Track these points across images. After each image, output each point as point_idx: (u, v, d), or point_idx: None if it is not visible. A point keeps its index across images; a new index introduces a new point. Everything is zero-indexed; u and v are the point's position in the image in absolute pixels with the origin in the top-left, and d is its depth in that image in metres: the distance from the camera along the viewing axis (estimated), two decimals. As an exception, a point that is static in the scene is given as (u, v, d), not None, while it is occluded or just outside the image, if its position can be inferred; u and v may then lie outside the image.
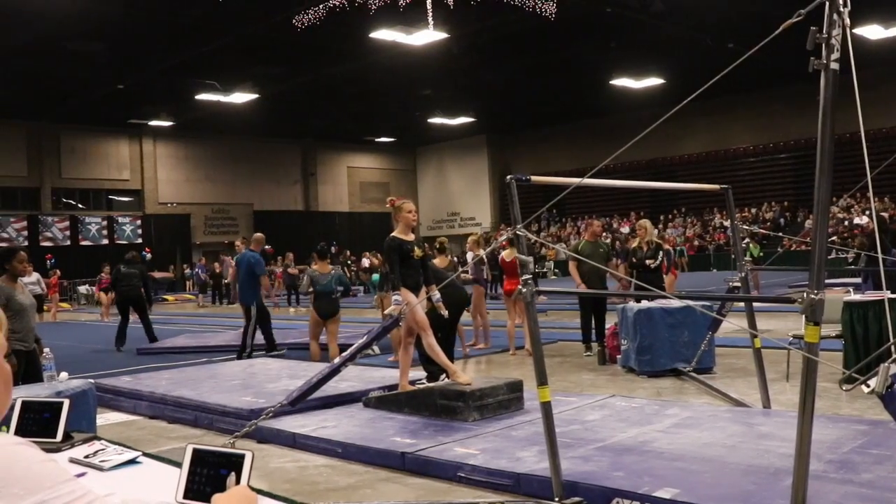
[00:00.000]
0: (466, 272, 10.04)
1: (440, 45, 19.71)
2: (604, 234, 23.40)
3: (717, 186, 6.47)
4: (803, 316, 3.11)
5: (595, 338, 9.69)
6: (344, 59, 21.81)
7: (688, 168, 31.74)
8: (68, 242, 32.65)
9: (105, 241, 33.44)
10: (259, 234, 11.49)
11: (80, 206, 33.71)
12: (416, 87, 26.84)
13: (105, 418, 6.97)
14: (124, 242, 33.37)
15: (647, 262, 9.50)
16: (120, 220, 34.19)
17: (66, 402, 2.81)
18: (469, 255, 13.28)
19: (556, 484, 4.07)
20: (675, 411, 5.94)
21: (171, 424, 6.87)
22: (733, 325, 5.62)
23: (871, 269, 9.45)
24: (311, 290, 9.26)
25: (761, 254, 19.65)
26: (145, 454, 2.64)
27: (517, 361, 9.63)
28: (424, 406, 6.16)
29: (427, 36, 18.18)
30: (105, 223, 33.72)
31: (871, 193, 3.44)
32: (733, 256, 7.90)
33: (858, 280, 13.21)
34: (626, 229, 24.48)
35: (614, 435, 5.27)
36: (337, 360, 6.37)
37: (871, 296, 7.74)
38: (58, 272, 23.93)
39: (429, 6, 14.46)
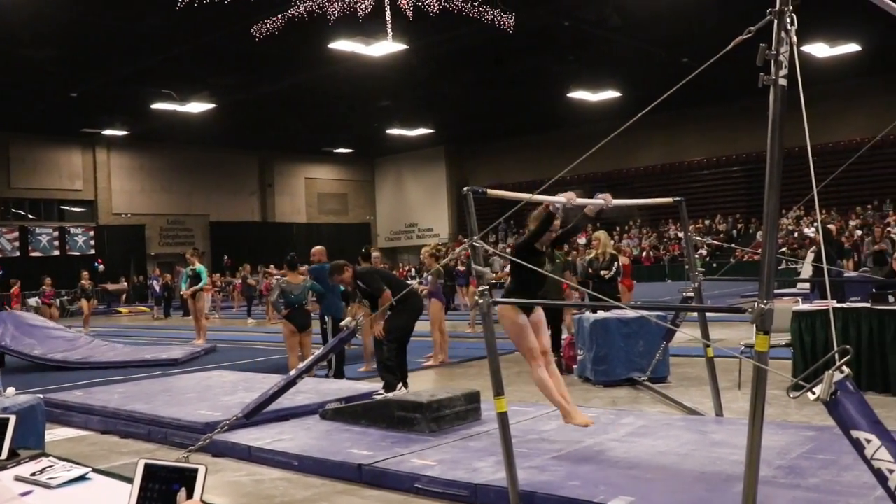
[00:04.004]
0: (421, 283, 10.06)
1: (399, 56, 19.73)
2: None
3: (671, 199, 6.55)
4: (754, 325, 3.17)
5: (552, 348, 9.72)
6: (302, 70, 21.72)
7: (643, 180, 32.14)
8: (17, 254, 31.85)
9: (56, 253, 32.73)
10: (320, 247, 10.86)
11: (30, 216, 32.93)
12: (375, 98, 26.80)
13: (55, 434, 6.83)
14: (77, 254, 32.75)
15: (603, 272, 9.60)
16: (72, 230, 33.51)
17: (13, 419, 2.74)
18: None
19: (513, 494, 4.08)
20: (631, 420, 5.99)
21: (123, 439, 6.74)
22: (687, 334, 5.69)
23: (818, 280, 9.64)
24: (281, 300, 9.14)
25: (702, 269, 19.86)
26: (95, 470, 2.58)
27: (475, 372, 9.64)
28: (381, 418, 6.13)
29: (386, 47, 18.18)
30: (56, 234, 33.02)
31: (817, 206, 3.52)
32: (686, 267, 8.02)
33: (807, 290, 13.45)
34: (582, 240, 24.64)
35: (570, 444, 5.30)
36: (293, 373, 6.32)
37: (818, 305, 7.91)
38: (18, 283, 23.15)
39: (388, 18, 14.46)
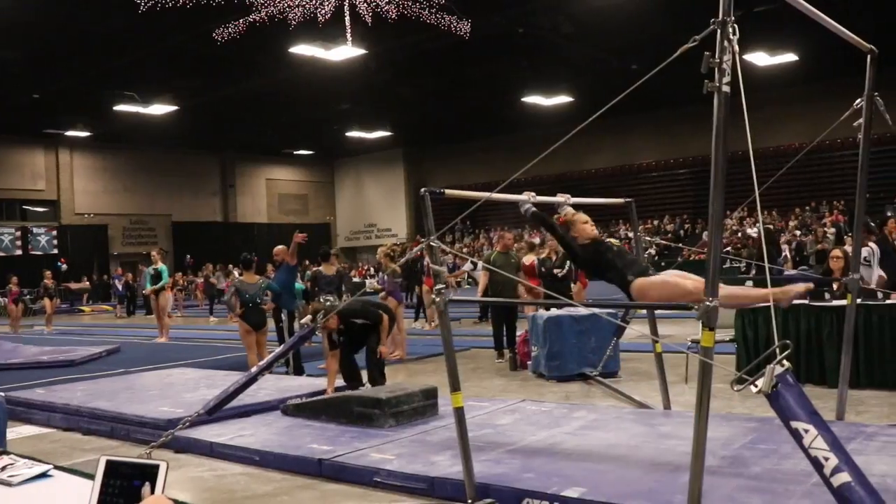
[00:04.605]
0: (378, 283, 10.09)
1: (358, 60, 19.65)
2: (515, 245, 23.63)
3: (621, 200, 6.62)
4: (700, 322, 3.22)
5: (507, 345, 9.78)
6: (263, 73, 21.52)
7: (595, 182, 32.37)
8: (-23, 253, 31.17)
9: (19, 252, 32.03)
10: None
11: (-10, 216, 32.25)
12: (335, 102, 26.66)
13: (16, 432, 6.69)
14: (39, 253, 32.08)
15: (556, 271, 9.67)
16: (35, 230, 32.79)
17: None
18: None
19: (469, 486, 4.09)
20: (583, 414, 6.04)
21: (85, 436, 6.63)
22: (637, 331, 5.76)
23: (759, 278, 9.81)
24: (234, 300, 9.04)
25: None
26: (57, 467, 2.53)
27: (432, 369, 9.64)
28: (342, 413, 6.12)
29: (346, 52, 18.10)
30: (19, 234, 32.31)
31: (759, 207, 3.58)
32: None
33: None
34: (536, 240, 24.76)
35: (525, 438, 5.33)
36: (254, 369, 6.27)
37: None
38: None
39: (347, 23, 14.41)
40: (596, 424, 5.66)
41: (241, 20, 14.52)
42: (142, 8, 13.65)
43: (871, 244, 9.01)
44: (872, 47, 4.91)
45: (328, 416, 6.19)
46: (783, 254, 11.79)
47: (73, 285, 30.06)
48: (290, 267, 10.47)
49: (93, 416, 6.78)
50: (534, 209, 4.94)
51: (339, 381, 7.45)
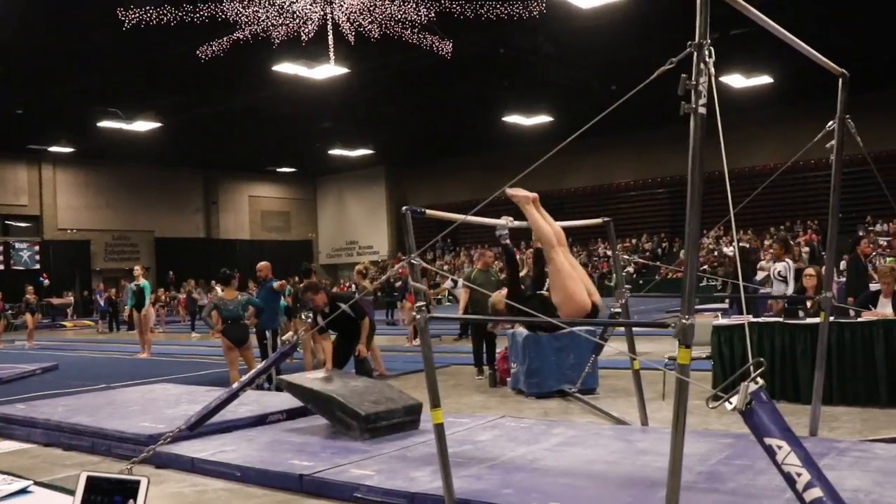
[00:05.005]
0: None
1: (341, 79, 19.69)
2: (495, 262, 23.66)
3: (600, 220, 6.64)
4: (676, 340, 3.23)
5: (486, 362, 9.78)
6: (247, 91, 21.50)
7: (574, 201, 32.55)
8: (-39, 268, 30.85)
9: (0, 267, 31.74)
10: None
11: (-26, 231, 31.94)
12: (317, 120, 26.67)
13: (-4, 447, 6.60)
14: (21, 268, 31.80)
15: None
16: (17, 245, 32.51)
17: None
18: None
19: (449, 502, 4.07)
20: (562, 430, 6.04)
21: (66, 452, 6.54)
22: (614, 348, 5.78)
23: (734, 296, 9.89)
24: (211, 316, 8.98)
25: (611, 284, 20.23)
26: (37, 483, 2.50)
27: (413, 385, 9.61)
28: (324, 410, 6.29)
29: (328, 70, 18.13)
30: (1, 248, 32.02)
31: (734, 227, 3.61)
32: (613, 284, 8.15)
33: (726, 305, 13.77)
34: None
35: (504, 454, 5.32)
36: (235, 385, 6.23)
37: (735, 320, 8.11)
38: None
39: (330, 42, 14.44)
40: (574, 440, 5.66)
41: (224, 38, 14.52)
42: (126, 25, 13.62)
43: (787, 260, 9.17)
44: (844, 71, 4.99)
45: (314, 406, 6.43)
46: (767, 273, 11.93)
47: (55, 300, 29.79)
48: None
49: (74, 432, 6.69)
50: (506, 241, 5.05)
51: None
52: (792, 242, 10.57)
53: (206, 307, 9.71)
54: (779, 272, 9.80)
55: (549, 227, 4.99)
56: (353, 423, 5.96)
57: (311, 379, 6.73)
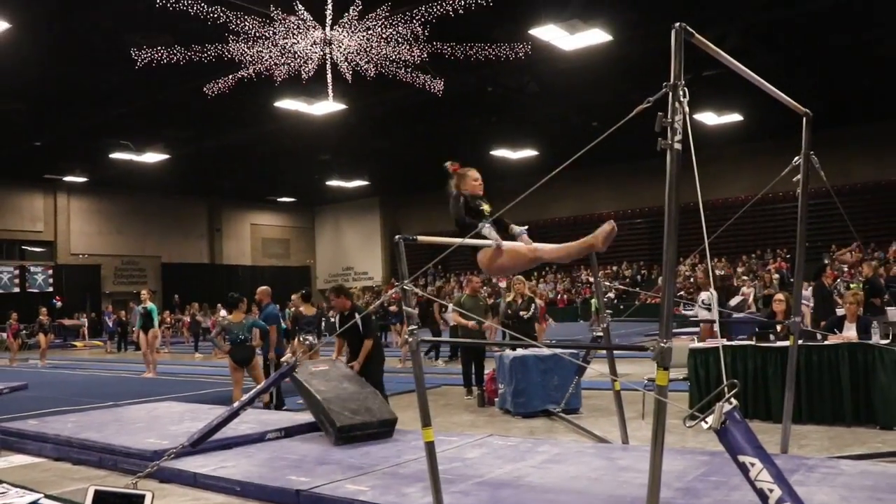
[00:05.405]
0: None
1: (339, 114, 19.76)
2: (483, 287, 23.62)
3: (581, 248, 6.64)
4: (655, 362, 3.23)
5: (475, 382, 9.73)
6: (250, 125, 21.57)
7: (558, 230, 32.57)
8: (-21, 290, 30.63)
9: (16, 290, 31.58)
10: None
11: (-8, 256, 31.80)
12: (316, 153, 26.73)
13: (9, 461, 6.53)
14: (36, 291, 31.69)
15: (521, 313, 9.67)
16: (32, 269, 32.37)
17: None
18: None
19: (439, 517, 4.03)
20: (546, 448, 6.01)
21: (75, 466, 6.47)
22: (597, 370, 5.76)
23: (710, 320, 9.89)
24: (219, 338, 8.92)
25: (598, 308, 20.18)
26: (47, 496, 2.47)
27: (405, 404, 9.55)
28: (312, 407, 6.77)
29: (327, 106, 18.20)
30: (17, 272, 31.90)
31: (708, 255, 3.63)
32: (594, 309, 8.13)
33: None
34: (503, 284, 24.77)
35: (492, 471, 5.28)
36: (236, 404, 6.19)
37: (710, 343, 8.11)
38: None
39: (329, 80, 14.52)
40: (559, 458, 5.62)
41: (230, 76, 14.58)
42: (138, 64, 13.67)
43: (712, 290, 9.24)
44: (807, 111, 5.05)
45: (306, 402, 6.92)
46: (743, 298, 12.01)
47: (67, 321, 29.63)
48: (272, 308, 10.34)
49: (82, 447, 6.63)
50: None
51: (308, 417, 7.38)
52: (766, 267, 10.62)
53: (214, 330, 9.64)
54: (703, 300, 9.95)
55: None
56: (330, 429, 6.42)
57: (312, 373, 7.01)
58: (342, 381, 7.00)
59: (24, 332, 22.96)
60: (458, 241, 4.39)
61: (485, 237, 4.11)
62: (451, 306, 11.07)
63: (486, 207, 4.91)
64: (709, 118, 21.53)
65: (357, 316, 7.59)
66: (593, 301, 19.98)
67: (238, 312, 9.15)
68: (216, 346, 9.09)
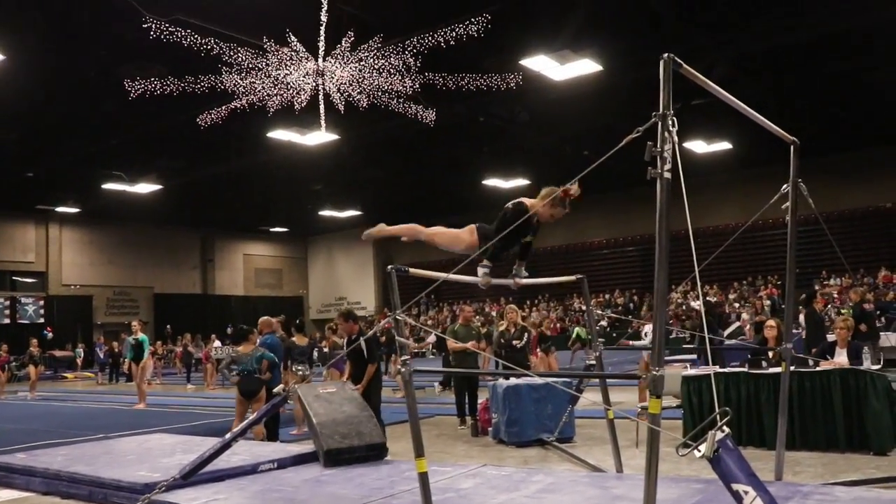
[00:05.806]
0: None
1: (331, 145, 19.83)
2: (475, 317, 23.59)
3: (574, 277, 6.65)
4: (647, 390, 3.22)
5: (468, 412, 9.68)
6: (243, 156, 21.60)
7: (550, 259, 32.64)
8: (-31, 321, 30.39)
9: (6, 321, 31.34)
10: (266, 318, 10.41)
11: (-18, 286, 31.59)
12: (309, 183, 26.78)
13: (-5, 497, 6.43)
14: (26, 322, 31.43)
15: (514, 342, 9.64)
16: (23, 300, 32.14)
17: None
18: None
19: (433, 549, 3.99)
20: (541, 478, 5.96)
21: (64, 500, 6.37)
22: (590, 399, 5.74)
23: (700, 347, 9.90)
24: (228, 370, 8.83)
25: (588, 336, 20.15)
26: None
27: (399, 434, 9.48)
28: (309, 427, 7.09)
29: (320, 137, 18.27)
30: (7, 303, 31.69)
31: (698, 282, 3.64)
32: (576, 336, 8.12)
33: (694, 357, 13.74)
34: (494, 313, 24.78)
35: (486, 501, 5.23)
36: (227, 436, 6.13)
37: (703, 370, 8.10)
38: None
39: (322, 111, 14.59)
40: (553, 488, 5.58)
41: (223, 107, 14.64)
42: (132, 95, 13.73)
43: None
44: (794, 139, 5.09)
45: (307, 424, 7.24)
46: (740, 325, 12.11)
47: (58, 353, 29.38)
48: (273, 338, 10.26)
49: (72, 481, 6.52)
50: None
51: (301, 448, 7.32)
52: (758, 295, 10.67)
53: (223, 361, 9.51)
54: (646, 333, 10.04)
55: (402, 226, 5.49)
56: (320, 452, 6.71)
57: (317, 395, 7.19)
58: (343, 403, 7.15)
59: (13, 363, 22.75)
60: (445, 275, 4.40)
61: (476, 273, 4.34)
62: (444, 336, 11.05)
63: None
64: (698, 146, 21.69)
65: (362, 340, 7.71)
66: (577, 329, 19.94)
67: (247, 344, 9.02)
68: (226, 377, 9.04)
